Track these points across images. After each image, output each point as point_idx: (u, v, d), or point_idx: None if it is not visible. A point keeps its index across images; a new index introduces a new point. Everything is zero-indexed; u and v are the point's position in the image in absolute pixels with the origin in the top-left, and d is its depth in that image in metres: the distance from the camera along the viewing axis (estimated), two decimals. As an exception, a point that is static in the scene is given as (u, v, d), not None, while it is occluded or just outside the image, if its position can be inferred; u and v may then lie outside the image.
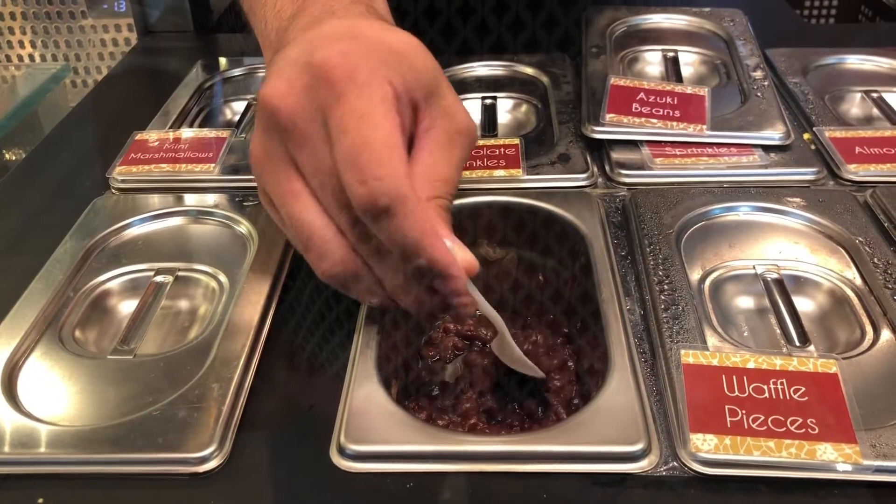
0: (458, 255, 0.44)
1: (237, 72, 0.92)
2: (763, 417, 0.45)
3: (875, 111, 0.81)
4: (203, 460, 0.45)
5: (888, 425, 0.45)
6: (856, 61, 0.87)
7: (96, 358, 0.53)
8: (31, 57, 1.15)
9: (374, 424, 0.47)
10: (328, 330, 0.56)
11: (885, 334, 0.52)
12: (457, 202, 0.67)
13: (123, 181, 0.72)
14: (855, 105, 0.82)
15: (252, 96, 0.87)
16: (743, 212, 0.64)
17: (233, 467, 0.46)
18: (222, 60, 0.94)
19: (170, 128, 0.80)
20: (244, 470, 0.46)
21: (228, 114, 0.86)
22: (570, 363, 0.60)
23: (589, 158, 0.72)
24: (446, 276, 0.44)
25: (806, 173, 0.68)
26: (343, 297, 0.58)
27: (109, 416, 0.48)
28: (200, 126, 0.83)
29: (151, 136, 0.77)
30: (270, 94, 0.44)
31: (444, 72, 0.90)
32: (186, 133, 0.77)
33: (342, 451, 0.46)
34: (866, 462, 0.42)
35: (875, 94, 0.82)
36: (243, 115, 0.84)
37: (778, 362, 0.48)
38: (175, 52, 1.00)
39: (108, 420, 0.48)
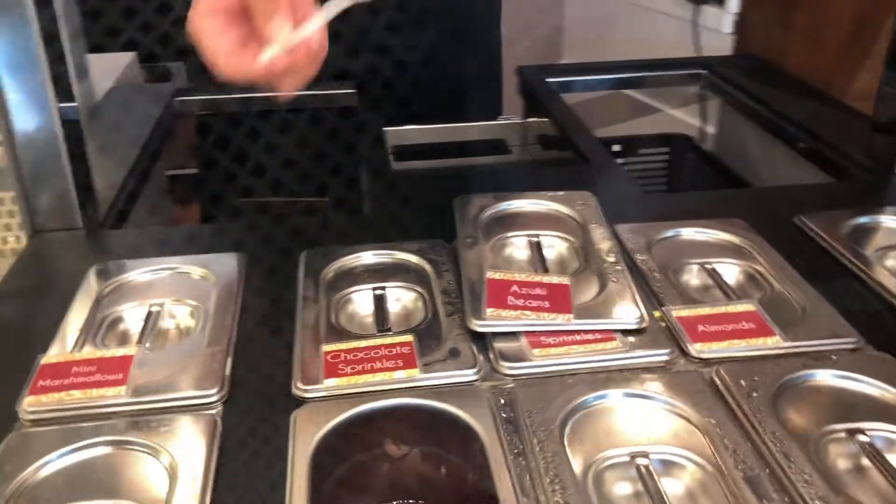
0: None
1: (133, 276, 0.96)
2: None
3: (710, 281, 0.94)
4: None
5: None
6: (690, 234, 1.01)
7: None
8: None
9: None
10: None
11: (740, 515, 0.61)
12: (362, 407, 0.73)
13: (33, 412, 0.74)
14: (694, 276, 0.95)
15: (151, 301, 0.91)
16: (612, 399, 0.74)
17: None
18: (116, 264, 0.98)
19: (73, 347, 0.83)
20: None
21: (130, 322, 0.90)
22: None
23: (475, 350, 0.80)
24: None
25: (661, 354, 0.79)
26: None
27: None
28: (105, 339, 0.86)
29: (56, 359, 0.79)
30: None
31: (333, 262, 0.97)
32: (91, 353, 0.80)
33: None
34: None
35: (709, 266, 0.96)
36: (145, 323, 0.88)
37: (657, 557, 0.56)
38: (67, 254, 1.03)
39: None
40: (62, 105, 1.05)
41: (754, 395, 0.73)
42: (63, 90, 1.09)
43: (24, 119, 1.04)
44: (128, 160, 1.31)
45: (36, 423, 0.73)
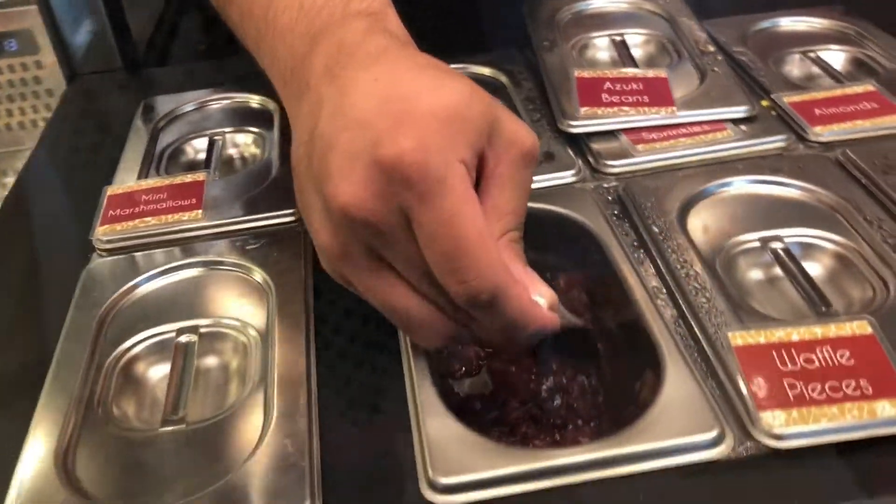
0: (547, 298, 0.47)
1: (187, 107, 0.89)
2: (820, 386, 0.48)
3: (815, 70, 0.86)
4: (298, 522, 0.45)
5: (928, 374, 0.49)
6: (788, 23, 0.92)
7: (148, 432, 0.52)
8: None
9: (456, 454, 0.47)
10: (373, 369, 0.56)
11: (896, 288, 0.56)
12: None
13: (109, 241, 0.69)
14: (796, 66, 0.87)
15: (212, 131, 0.85)
16: (735, 186, 0.67)
17: (330, 523, 0.46)
18: (165, 98, 0.91)
19: (138, 177, 0.77)
20: (342, 524, 0.46)
21: (191, 152, 0.84)
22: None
23: (571, 152, 0.74)
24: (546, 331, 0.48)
25: (777, 140, 0.72)
26: (379, 333, 0.58)
27: (188, 492, 0.47)
28: (167, 169, 0.81)
29: (123, 189, 0.74)
30: (344, 202, 0.42)
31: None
32: (160, 181, 0.75)
33: (433, 486, 0.46)
34: (923, 412, 0.46)
35: (812, 54, 0.87)
36: (208, 152, 0.82)
37: (818, 331, 0.51)
38: (110, 94, 0.96)
39: (191, 495, 0.47)
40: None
41: (891, 172, 0.66)
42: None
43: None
44: None
45: (112, 251, 0.69)
